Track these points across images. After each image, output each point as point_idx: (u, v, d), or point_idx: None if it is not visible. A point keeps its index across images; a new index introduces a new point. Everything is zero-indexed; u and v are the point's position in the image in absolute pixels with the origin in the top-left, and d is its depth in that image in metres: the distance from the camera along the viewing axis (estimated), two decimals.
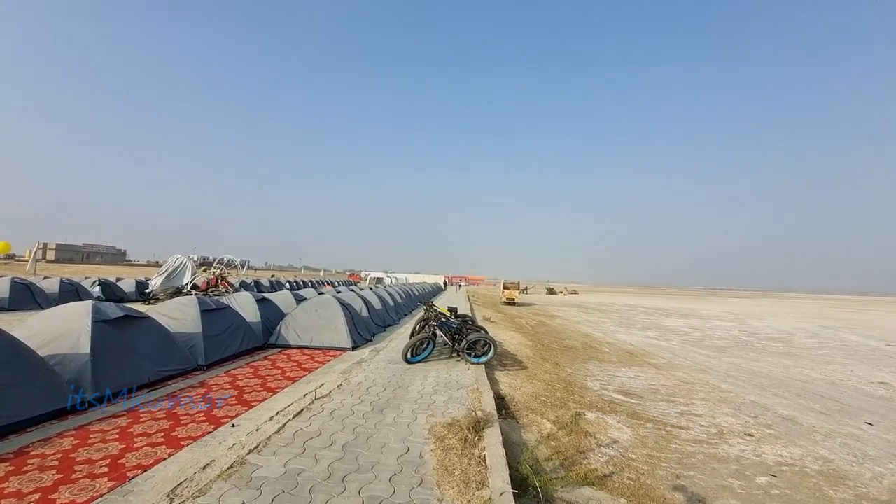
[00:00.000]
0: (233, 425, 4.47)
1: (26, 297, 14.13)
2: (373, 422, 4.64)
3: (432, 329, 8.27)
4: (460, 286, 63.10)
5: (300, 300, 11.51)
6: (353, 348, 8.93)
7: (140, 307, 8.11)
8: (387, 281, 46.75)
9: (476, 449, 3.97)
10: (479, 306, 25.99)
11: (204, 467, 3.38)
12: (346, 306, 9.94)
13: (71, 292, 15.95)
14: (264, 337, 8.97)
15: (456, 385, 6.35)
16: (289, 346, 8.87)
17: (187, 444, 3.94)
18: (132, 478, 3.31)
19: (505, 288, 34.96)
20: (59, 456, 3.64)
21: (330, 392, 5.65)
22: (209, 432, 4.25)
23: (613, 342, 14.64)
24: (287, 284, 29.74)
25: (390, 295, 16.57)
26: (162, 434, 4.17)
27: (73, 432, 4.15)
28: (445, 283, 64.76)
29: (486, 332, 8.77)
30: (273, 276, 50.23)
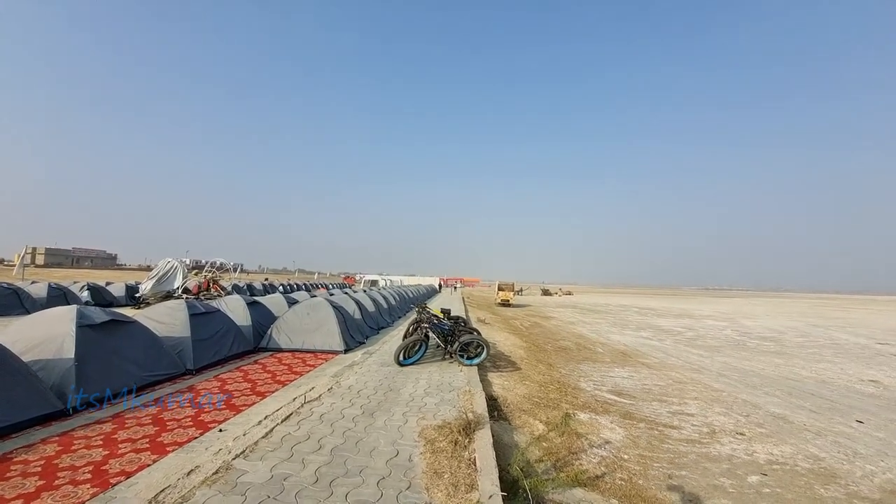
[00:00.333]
0: (220, 430, 4.40)
1: (13, 301, 13.90)
2: (363, 425, 4.59)
3: (425, 331, 8.23)
4: (455, 288, 63.11)
5: (292, 303, 11.42)
6: (346, 351, 8.86)
7: (129, 311, 8.00)
8: (381, 283, 46.62)
9: (466, 451, 3.93)
10: (473, 308, 25.97)
11: (188, 473, 3.31)
12: (338, 309, 9.87)
13: (59, 297, 15.72)
14: (255, 341, 8.87)
15: (448, 387, 6.31)
16: (280, 350, 8.78)
17: (173, 450, 3.87)
18: (115, 484, 3.25)
19: (500, 289, 34.95)
20: (43, 462, 3.57)
21: (320, 395, 5.59)
22: (195, 437, 4.18)
23: (607, 342, 14.67)
24: (280, 287, 29.53)
25: (384, 297, 16.50)
26: (147, 440, 4.09)
27: (57, 438, 4.08)
28: (441, 285, 64.71)
29: (479, 333, 8.74)
30: (266, 279, 49.88)
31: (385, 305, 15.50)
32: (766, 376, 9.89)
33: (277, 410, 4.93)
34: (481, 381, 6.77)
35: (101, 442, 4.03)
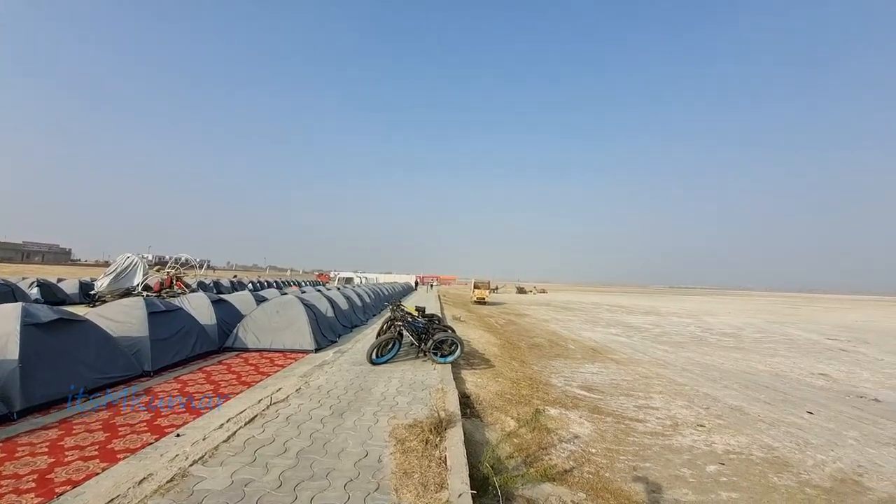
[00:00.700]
0: (177, 435, 4.18)
1: None
2: (331, 426, 4.48)
3: (398, 329, 8.14)
4: (432, 286, 62.98)
5: (261, 301, 11.06)
6: (317, 350, 8.65)
7: (82, 310, 7.51)
8: (357, 281, 45.96)
9: (437, 450, 3.90)
10: (449, 306, 26.00)
11: (140, 482, 3.12)
12: (309, 307, 9.62)
13: (6, 294, 14.62)
14: (220, 340, 8.52)
15: (421, 386, 6.26)
16: (247, 350, 8.48)
17: (124, 457, 3.64)
18: (61, 494, 3.04)
19: (475, 287, 35.12)
20: None
21: (287, 396, 5.42)
22: (150, 443, 3.95)
23: (578, 339, 15.00)
24: (249, 285, 28.58)
25: (358, 295, 16.25)
26: (96, 447, 3.84)
27: (0, 445, 3.80)
28: (417, 283, 64.45)
29: (453, 331, 8.73)
30: (235, 276, 48.23)
31: (359, 303, 15.27)
32: (725, 370, 10.36)
33: (241, 413, 4.74)
34: (454, 378, 6.75)
35: (46, 449, 3.76)
